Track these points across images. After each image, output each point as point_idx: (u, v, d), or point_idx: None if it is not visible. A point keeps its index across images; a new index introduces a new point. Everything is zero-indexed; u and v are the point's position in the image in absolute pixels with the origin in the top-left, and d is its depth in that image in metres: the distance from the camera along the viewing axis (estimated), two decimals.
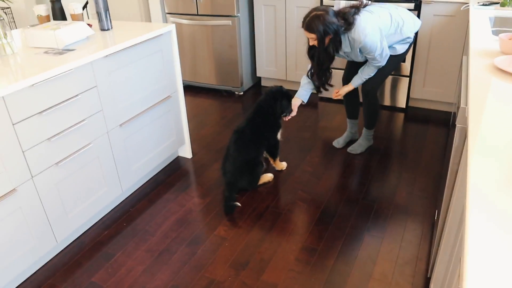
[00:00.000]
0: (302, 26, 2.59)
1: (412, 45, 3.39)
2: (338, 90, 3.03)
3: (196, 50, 4.32)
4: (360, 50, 2.68)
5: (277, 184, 2.86)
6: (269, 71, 4.34)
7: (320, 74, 2.77)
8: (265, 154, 2.95)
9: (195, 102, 4.24)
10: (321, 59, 2.67)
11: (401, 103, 3.83)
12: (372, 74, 2.83)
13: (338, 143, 3.28)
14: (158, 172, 3.06)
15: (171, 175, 3.02)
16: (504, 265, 0.82)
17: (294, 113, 2.87)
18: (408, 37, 2.78)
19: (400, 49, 2.81)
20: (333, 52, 2.65)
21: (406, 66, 3.65)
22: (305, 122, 3.71)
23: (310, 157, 3.17)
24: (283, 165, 3.00)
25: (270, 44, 4.21)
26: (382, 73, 2.86)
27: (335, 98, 3.04)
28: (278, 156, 2.96)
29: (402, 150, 3.22)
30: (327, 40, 2.59)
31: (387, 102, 3.88)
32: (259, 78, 4.59)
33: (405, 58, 3.58)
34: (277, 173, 2.98)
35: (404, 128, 3.58)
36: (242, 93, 4.38)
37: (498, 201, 1.00)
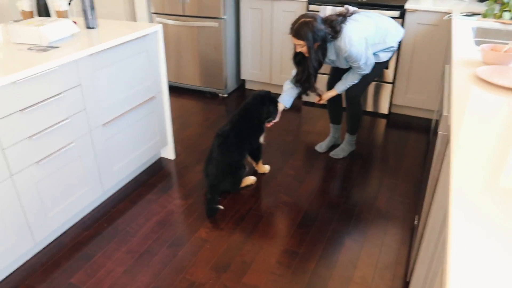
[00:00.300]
0: (290, 33, 2.60)
1: (395, 53, 3.45)
2: (321, 95, 3.05)
3: (181, 51, 4.31)
4: (345, 59, 2.72)
5: (260, 187, 2.87)
6: (254, 74, 4.35)
7: (305, 80, 2.79)
8: (248, 158, 2.96)
9: (179, 103, 4.22)
10: (308, 66, 2.68)
11: (384, 109, 3.88)
12: (356, 81, 2.86)
13: (320, 147, 3.31)
14: (141, 172, 3.04)
15: (153, 176, 3.00)
16: (487, 268, 0.85)
17: (277, 119, 2.89)
18: (392, 46, 2.83)
19: (384, 57, 2.85)
20: (321, 58, 2.68)
21: (389, 73, 3.70)
22: (288, 126, 3.73)
23: (292, 161, 3.18)
24: (266, 168, 3.02)
25: (255, 47, 4.22)
26: (365, 79, 2.90)
27: (318, 102, 3.06)
28: (261, 159, 2.97)
29: (383, 156, 3.26)
30: (315, 47, 2.61)
31: (370, 108, 3.93)
32: (243, 80, 4.60)
33: (388, 65, 3.64)
34: (260, 176, 2.99)
35: (386, 134, 3.62)
36: (226, 95, 4.38)
37: (481, 204, 1.03)
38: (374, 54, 2.80)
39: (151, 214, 2.62)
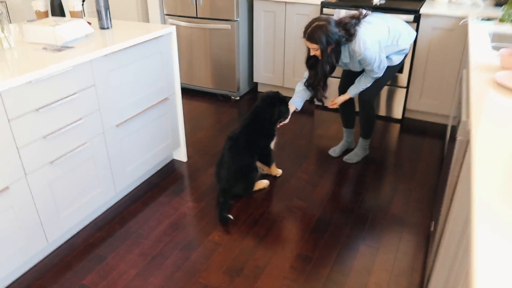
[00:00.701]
0: (304, 36, 2.59)
1: (408, 56, 3.42)
2: (334, 99, 3.04)
3: (194, 53, 4.31)
4: (359, 62, 2.70)
5: (273, 191, 2.86)
6: (266, 77, 4.34)
7: (317, 84, 2.77)
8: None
9: (191, 105, 4.22)
10: (322, 69, 2.67)
11: (397, 114, 3.86)
12: (369, 84, 2.84)
13: (334, 151, 3.29)
14: (153, 174, 3.04)
15: (165, 178, 3.00)
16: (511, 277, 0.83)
17: (287, 120, 2.87)
18: (404, 49, 2.81)
19: (396, 59, 2.83)
20: (334, 61, 2.66)
21: (403, 77, 3.68)
22: (301, 130, 3.72)
23: (306, 165, 3.17)
24: (278, 171, 3.00)
25: (268, 50, 4.22)
26: (378, 83, 2.88)
27: (331, 107, 3.05)
28: (273, 163, 2.95)
29: (397, 161, 3.24)
30: (329, 50, 2.60)
31: (383, 112, 3.90)
32: (256, 83, 4.60)
33: (402, 68, 3.61)
34: (273, 180, 2.97)
35: (400, 139, 3.60)
36: (238, 98, 4.37)
37: (504, 213, 1.01)
38: (387, 57, 2.78)
39: (163, 216, 2.61)
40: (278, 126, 2.87)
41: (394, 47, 2.75)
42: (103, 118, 2.41)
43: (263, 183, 2.87)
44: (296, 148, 3.41)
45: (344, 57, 2.69)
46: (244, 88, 4.46)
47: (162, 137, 2.96)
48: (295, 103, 2.90)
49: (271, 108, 2.72)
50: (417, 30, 3.50)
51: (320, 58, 2.63)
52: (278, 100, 2.75)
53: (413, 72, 3.66)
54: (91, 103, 2.31)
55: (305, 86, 2.85)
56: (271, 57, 4.23)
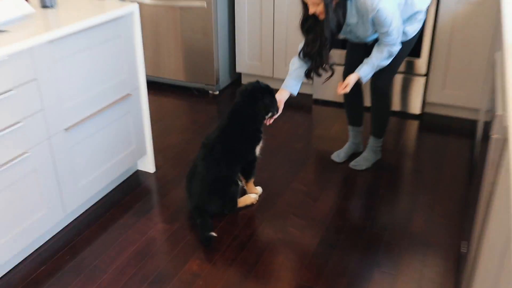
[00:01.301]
0: None
1: (425, 34, 3.41)
2: (342, 82, 2.91)
3: (161, 38, 4.29)
4: (371, 22, 2.63)
5: (263, 207, 2.85)
6: (252, 66, 4.33)
7: (317, 52, 2.71)
8: None
9: (159, 102, 4.19)
10: (324, 30, 2.61)
11: (415, 108, 3.87)
12: (386, 62, 2.77)
13: (338, 156, 3.28)
14: (112, 190, 3.02)
15: (128, 194, 2.98)
16: None
17: (280, 111, 2.81)
18: (419, 12, 2.78)
19: (411, 31, 2.81)
20: (341, 19, 2.61)
21: (421, 63, 3.69)
22: (297, 130, 3.71)
23: (303, 174, 3.16)
24: (257, 190, 2.95)
25: (254, 33, 4.20)
26: (393, 64, 2.87)
27: (342, 92, 2.90)
28: (253, 177, 2.92)
29: (417, 167, 3.24)
30: (333, 5, 2.54)
31: (397, 106, 3.91)
32: (239, 74, 4.59)
33: (419, 51, 3.61)
34: (263, 194, 2.96)
35: (419, 139, 3.60)
36: (217, 92, 4.36)
37: None
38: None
39: (126, 243, 2.58)
40: (270, 122, 2.82)
41: (408, 8, 2.71)
42: (48, 121, 2.37)
43: (250, 198, 2.86)
44: (290, 153, 3.40)
45: (351, 16, 2.65)
46: (224, 80, 4.44)
47: (123, 143, 2.93)
48: (289, 87, 2.84)
49: (253, 104, 2.68)
50: (437, 5, 3.51)
51: (322, 16, 2.58)
52: (260, 91, 2.70)
53: (434, 56, 3.68)
54: (32, 102, 2.27)
55: (301, 58, 2.80)
56: (257, 42, 4.22)
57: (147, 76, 4.47)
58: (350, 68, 3.02)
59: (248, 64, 4.34)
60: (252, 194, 2.88)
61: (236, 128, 2.72)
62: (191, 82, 4.39)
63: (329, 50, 2.75)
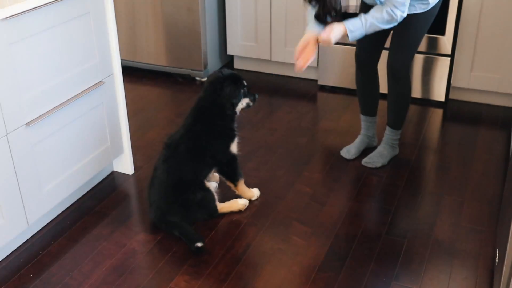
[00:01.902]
0: None
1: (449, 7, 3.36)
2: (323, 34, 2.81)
3: (137, 15, 4.29)
4: None
5: (261, 213, 2.85)
6: (246, 47, 4.33)
7: (331, 9, 2.68)
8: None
9: (136, 92, 4.20)
10: None
11: (439, 95, 3.88)
12: (384, 25, 2.71)
13: (348, 152, 3.29)
14: (84, 195, 3.02)
15: (103, 200, 2.98)
16: None
17: (311, 57, 2.75)
18: None
19: None
20: None
21: (445, 41, 3.70)
22: (300, 121, 3.72)
23: (308, 173, 3.17)
24: (252, 192, 2.95)
25: (248, 9, 4.20)
26: (412, 41, 2.89)
27: (323, 44, 2.83)
28: (241, 178, 2.91)
29: (441, 163, 3.26)
30: None
31: (417, 93, 3.92)
32: (231, 57, 4.59)
33: (443, 28, 3.62)
34: (261, 198, 2.96)
35: (444, 130, 3.62)
36: (205, 78, 4.35)
37: None
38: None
39: (102, 256, 2.58)
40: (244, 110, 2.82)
41: None
42: (5, 114, 2.37)
43: (238, 204, 2.85)
44: (293, 149, 3.41)
45: None
46: (214, 64, 4.45)
47: (96, 139, 2.93)
48: (313, 28, 2.78)
49: (216, 97, 2.71)
50: None
51: None
52: (221, 82, 2.71)
53: (460, 34, 3.69)
54: None
55: (307, 2, 2.77)
56: (252, 19, 4.22)
57: (123, 60, 4.46)
58: (365, 46, 3.05)
59: (242, 46, 4.34)
60: (241, 200, 2.87)
61: (203, 126, 2.74)
62: (175, 67, 4.39)
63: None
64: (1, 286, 2.43)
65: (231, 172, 2.88)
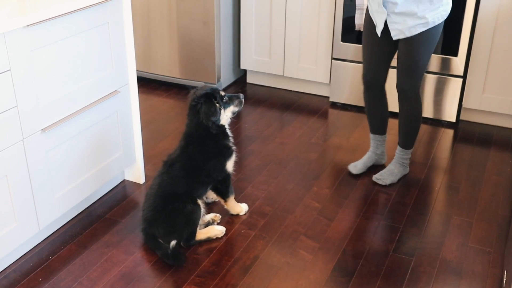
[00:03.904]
0: None
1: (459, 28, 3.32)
2: None
3: (153, 27, 4.32)
4: None
5: (270, 226, 2.86)
6: (259, 62, 4.35)
7: None
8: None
9: (150, 102, 4.21)
10: None
11: (450, 115, 3.88)
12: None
13: (355, 167, 3.30)
14: (95, 202, 3.03)
15: (113, 208, 2.99)
16: None
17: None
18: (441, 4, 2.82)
19: (433, 18, 2.82)
20: None
21: (457, 62, 3.71)
22: (310, 137, 3.73)
23: (317, 188, 3.17)
24: (241, 208, 2.95)
25: (262, 24, 4.22)
26: (417, 63, 2.91)
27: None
28: (232, 195, 2.91)
29: (451, 183, 3.25)
30: None
31: (429, 113, 3.93)
32: (244, 71, 4.61)
33: (456, 49, 3.63)
34: (268, 210, 2.97)
35: (454, 151, 3.61)
36: None
37: None
38: (420, 18, 2.79)
39: (110, 263, 2.59)
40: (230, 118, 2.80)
41: None
42: (23, 119, 2.39)
43: (215, 230, 2.78)
44: (302, 164, 3.41)
45: None
46: (227, 77, 4.47)
47: (109, 148, 2.95)
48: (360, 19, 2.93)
49: (198, 119, 2.68)
50: None
51: None
52: (195, 104, 2.67)
53: (473, 55, 3.69)
54: (5, 97, 2.29)
55: None
56: (266, 34, 4.24)
57: (137, 72, 4.49)
58: (371, 67, 3.06)
59: (255, 60, 4.36)
60: (218, 226, 2.81)
61: (196, 148, 2.73)
62: (188, 79, 4.40)
63: None
64: (13, 287, 2.46)
65: (224, 189, 2.86)
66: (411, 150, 3.22)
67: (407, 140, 3.18)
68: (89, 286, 2.46)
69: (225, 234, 2.77)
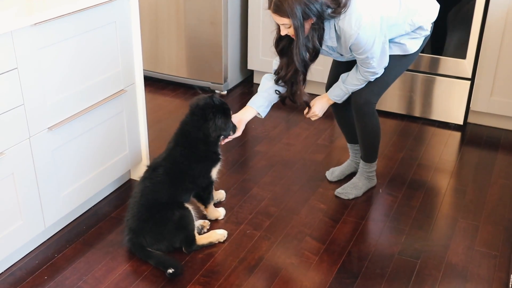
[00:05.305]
0: (269, 8, 2.54)
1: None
2: (310, 107, 2.92)
3: (160, 27, 4.33)
4: (350, 48, 2.63)
5: (275, 227, 2.86)
6: (267, 62, 4.33)
7: (291, 78, 2.72)
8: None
9: (156, 102, 4.23)
10: (298, 56, 2.58)
11: (457, 118, 3.88)
12: (360, 85, 2.79)
13: (332, 174, 3.26)
14: (101, 201, 3.04)
15: (119, 207, 2.99)
16: None
17: (239, 133, 2.79)
18: (421, 28, 2.76)
19: (411, 46, 2.79)
20: (316, 44, 2.59)
21: (466, 65, 3.71)
22: (316, 139, 3.73)
23: (323, 190, 3.17)
24: (219, 213, 2.92)
25: (270, 25, 4.21)
26: (383, 78, 2.82)
27: (311, 117, 2.98)
28: (212, 201, 2.90)
29: (457, 186, 3.25)
30: (307, 27, 2.52)
31: (437, 115, 3.93)
32: (251, 71, 4.61)
33: (464, 52, 3.62)
34: (275, 212, 2.97)
35: (461, 154, 3.61)
36: (225, 92, 4.38)
37: None
38: (396, 43, 2.76)
39: (116, 262, 2.60)
40: (223, 143, 2.80)
41: (406, 25, 2.71)
42: (30, 118, 2.41)
43: (216, 235, 2.75)
44: (308, 166, 3.42)
45: (329, 39, 2.64)
46: (234, 78, 4.48)
47: (115, 147, 2.96)
48: (257, 106, 2.82)
49: (203, 123, 2.64)
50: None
51: (295, 38, 2.55)
52: (212, 110, 2.64)
53: (481, 57, 3.69)
54: (12, 95, 2.31)
55: (275, 80, 2.81)
56: (273, 35, 4.24)
57: (144, 71, 4.50)
58: (334, 78, 3.01)
59: (262, 61, 4.35)
60: (220, 230, 2.78)
61: (185, 150, 2.70)
62: (195, 79, 4.41)
63: (303, 84, 2.76)
64: (16, 286, 2.45)
65: (206, 196, 2.84)
66: (375, 163, 3.11)
67: (367, 153, 3.07)
68: (94, 284, 2.47)
69: (230, 235, 2.78)
